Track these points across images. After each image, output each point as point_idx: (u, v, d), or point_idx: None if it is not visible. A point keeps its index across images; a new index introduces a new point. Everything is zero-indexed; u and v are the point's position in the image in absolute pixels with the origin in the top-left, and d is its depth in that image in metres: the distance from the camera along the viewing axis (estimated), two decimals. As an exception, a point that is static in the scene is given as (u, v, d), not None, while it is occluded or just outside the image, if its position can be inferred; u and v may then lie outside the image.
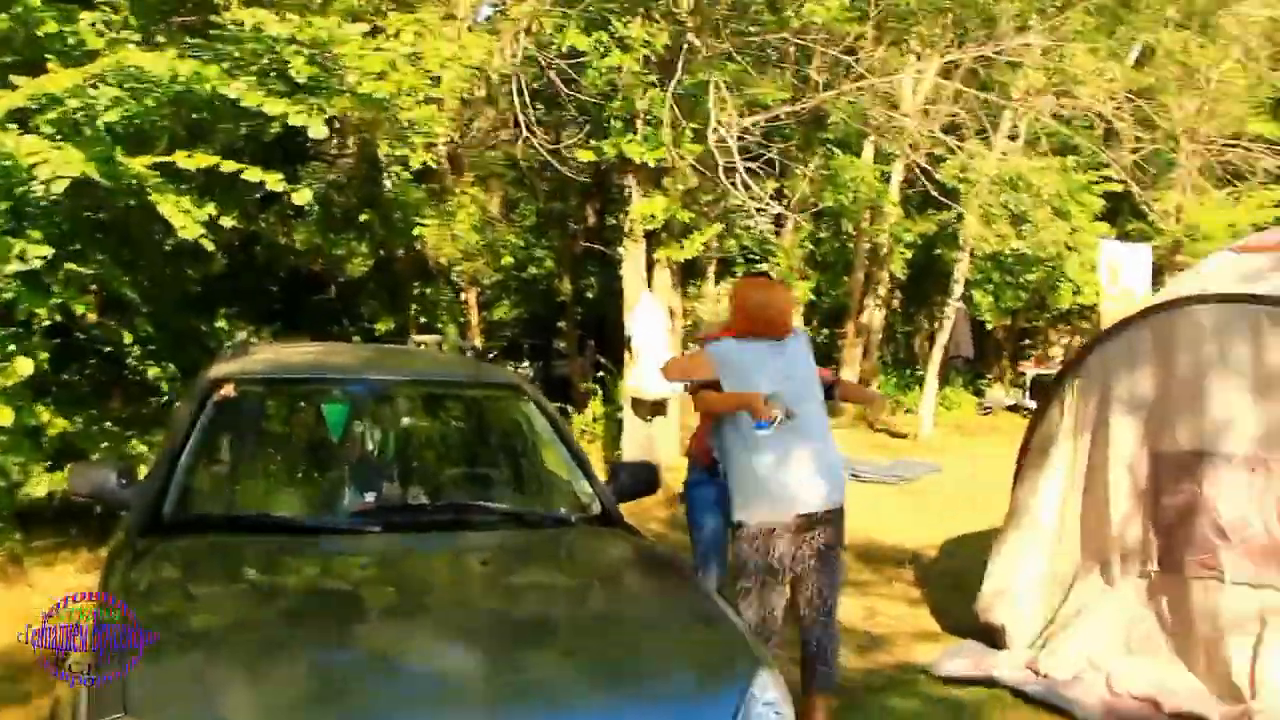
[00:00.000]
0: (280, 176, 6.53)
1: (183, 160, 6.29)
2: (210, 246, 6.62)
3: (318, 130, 6.71)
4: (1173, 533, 5.13)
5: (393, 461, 4.06)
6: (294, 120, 6.73)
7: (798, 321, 17.94)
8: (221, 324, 17.67)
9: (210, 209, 6.66)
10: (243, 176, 6.50)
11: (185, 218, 6.27)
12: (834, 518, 4.33)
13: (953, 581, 7.28)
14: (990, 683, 5.22)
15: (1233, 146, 17.55)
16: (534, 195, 21.71)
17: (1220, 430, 4.98)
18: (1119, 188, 17.67)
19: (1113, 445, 5.39)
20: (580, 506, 3.91)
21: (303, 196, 6.70)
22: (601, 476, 4.11)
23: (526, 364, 25.68)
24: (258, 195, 11.81)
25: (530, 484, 4.10)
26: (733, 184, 9.47)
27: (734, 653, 2.83)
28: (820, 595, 4.36)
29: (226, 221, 6.82)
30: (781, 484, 4.18)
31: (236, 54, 7.69)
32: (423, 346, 6.47)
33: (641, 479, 4.23)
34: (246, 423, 4.01)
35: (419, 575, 3.21)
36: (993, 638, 5.64)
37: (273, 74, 7.70)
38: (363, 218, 12.16)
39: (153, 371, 10.57)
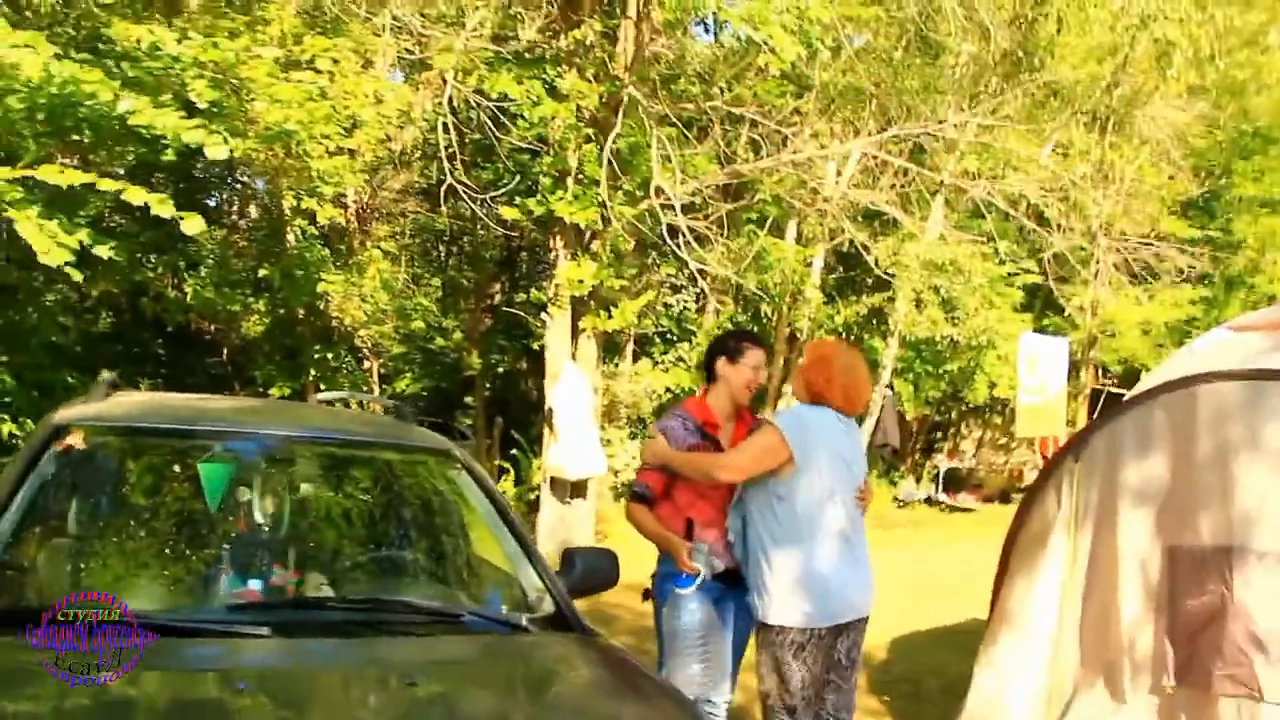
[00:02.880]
0: (165, 198, 5.66)
1: (50, 175, 5.36)
2: (77, 276, 5.65)
3: (216, 151, 5.85)
4: (1195, 642, 4.46)
5: (287, 540, 3.14)
6: (189, 138, 5.88)
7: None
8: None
9: (82, 235, 5.71)
10: (123, 197, 5.62)
11: (48, 241, 5.33)
12: (863, 626, 4.11)
13: (912, 688, 6.55)
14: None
15: (1147, 244, 17.71)
16: (442, 265, 20.91)
17: (1252, 522, 4.36)
18: (1037, 279, 17.69)
19: (1121, 539, 4.73)
20: (527, 604, 3.07)
21: (193, 225, 5.81)
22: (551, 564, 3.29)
23: (426, 442, 24.53)
24: (139, 237, 10.80)
25: (464, 574, 3.23)
26: (676, 246, 8.78)
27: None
28: (838, 714, 4.03)
29: (102, 251, 5.88)
30: (841, 583, 3.87)
31: (131, 72, 6.83)
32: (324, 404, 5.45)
33: (600, 569, 3.43)
34: (96, 483, 3.07)
35: (319, 701, 2.32)
36: (981, 761, 4.89)
37: (170, 97, 6.85)
38: (262, 272, 11.17)
39: (5, 428, 9.41)
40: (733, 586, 4.06)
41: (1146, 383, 5.29)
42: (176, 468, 3.19)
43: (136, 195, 5.54)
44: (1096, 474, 4.89)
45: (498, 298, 19.77)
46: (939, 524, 16.35)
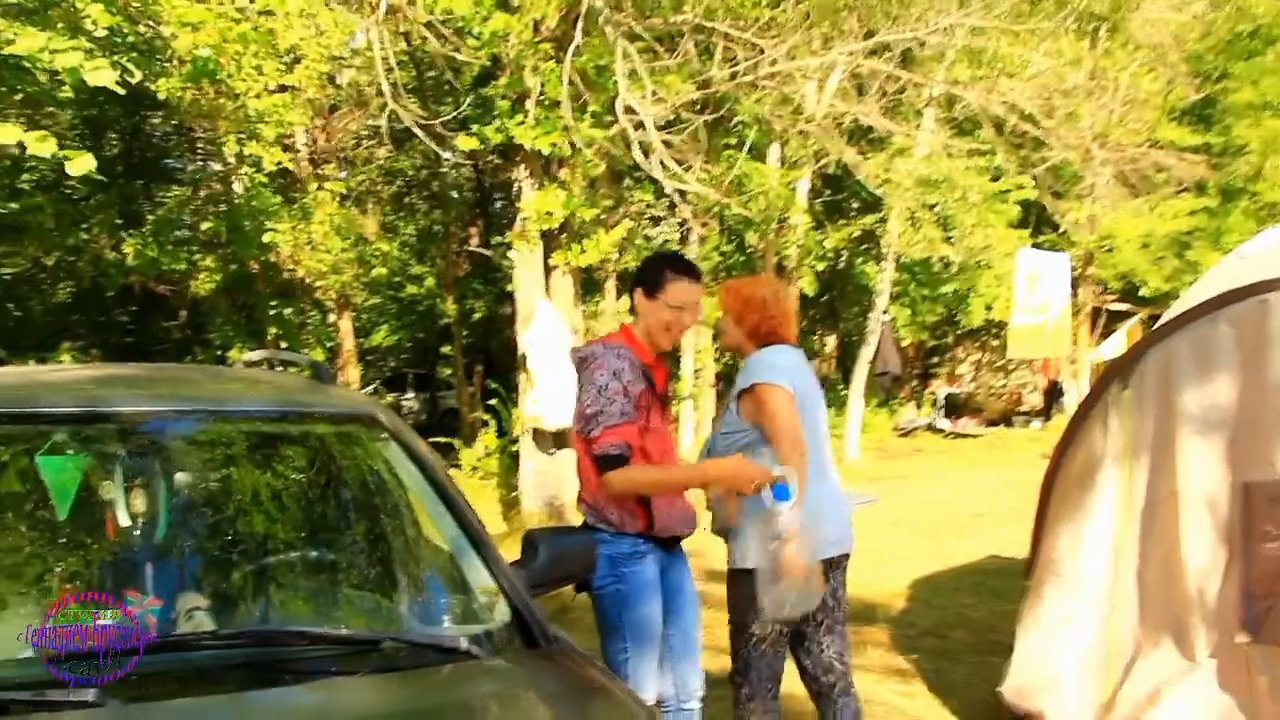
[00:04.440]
0: (46, 135, 4.86)
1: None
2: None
3: (99, 77, 5.02)
4: (1275, 590, 3.81)
5: (151, 555, 2.37)
6: (62, 63, 5.04)
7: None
8: (65, 358, 15.59)
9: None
10: (-8, 137, 4.81)
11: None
12: (846, 563, 3.67)
13: (939, 643, 5.92)
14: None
15: (1145, 154, 16.95)
16: (412, 211, 20.00)
17: (1343, 451, 3.69)
18: (1032, 194, 16.95)
19: (1182, 476, 4.05)
20: (476, 611, 2.38)
21: (81, 164, 5.00)
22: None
23: (412, 395, 23.75)
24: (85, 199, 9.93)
25: (393, 578, 2.50)
26: (645, 165, 7.96)
27: None
28: (841, 658, 3.62)
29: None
30: (837, 517, 3.53)
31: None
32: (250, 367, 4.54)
33: (572, 555, 2.74)
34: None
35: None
36: (1028, 731, 4.26)
37: (62, 26, 6.01)
38: (205, 225, 10.31)
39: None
40: (671, 550, 3.45)
41: (1193, 297, 4.56)
42: (9, 460, 2.44)
43: (9, 134, 4.73)
44: (1150, 402, 4.20)
45: (474, 241, 18.98)
46: (943, 451, 15.79)
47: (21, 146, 4.72)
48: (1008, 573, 6.52)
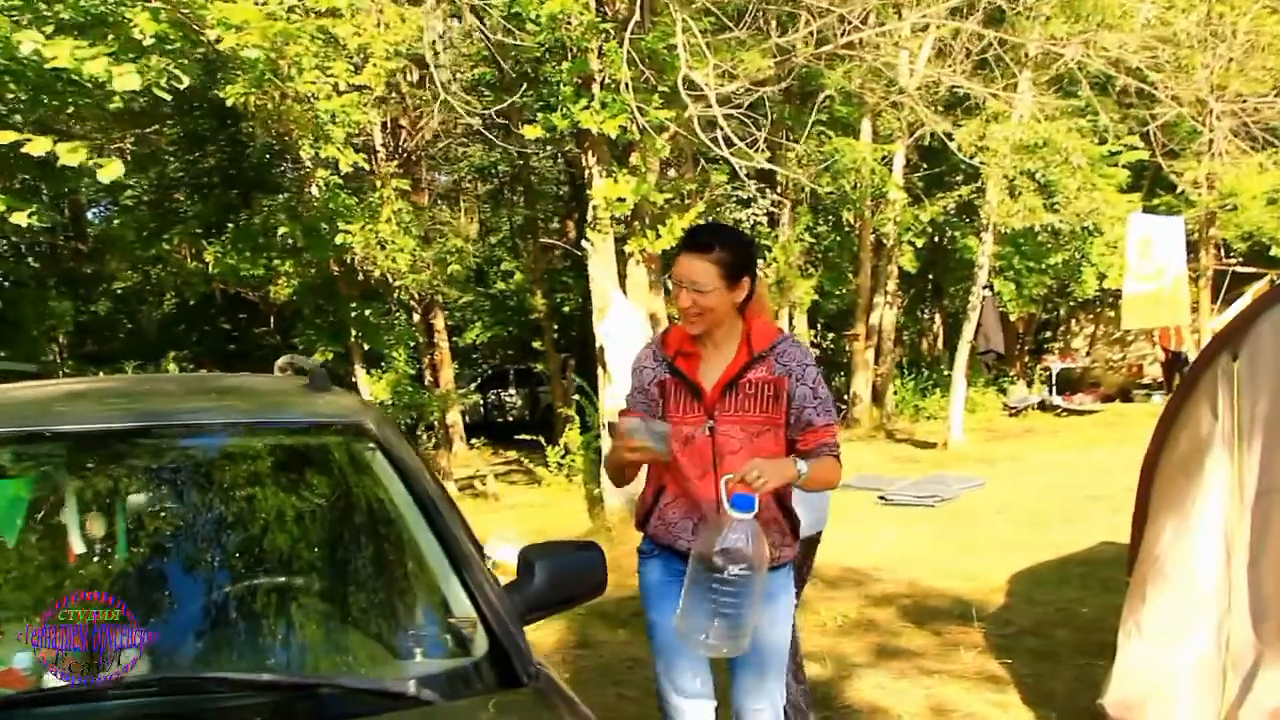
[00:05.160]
0: (78, 146, 4.76)
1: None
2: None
3: (126, 82, 4.92)
4: None
5: (105, 583, 2.18)
6: (90, 70, 4.93)
7: (797, 325, 16.13)
8: (171, 368, 15.95)
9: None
10: (25, 150, 4.73)
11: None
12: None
13: (1040, 644, 5.43)
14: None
15: (1270, 103, 15.76)
16: (508, 206, 19.95)
17: None
18: (1143, 155, 15.96)
19: (1306, 457, 3.54)
20: (448, 647, 2.09)
21: (110, 171, 4.89)
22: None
23: (513, 391, 23.77)
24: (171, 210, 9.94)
25: (359, 612, 2.22)
26: (715, 145, 7.59)
27: None
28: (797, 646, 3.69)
29: (18, 219, 5.02)
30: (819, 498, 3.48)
31: (64, 14, 5.92)
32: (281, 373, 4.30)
33: (573, 574, 2.43)
34: None
35: None
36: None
37: (112, 38, 5.94)
38: (281, 230, 10.30)
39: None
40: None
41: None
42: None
43: (40, 145, 4.65)
44: (1264, 374, 3.69)
45: (572, 234, 18.82)
46: (1055, 430, 15.00)
47: (57, 158, 4.63)
48: (1121, 563, 5.97)
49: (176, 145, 17.12)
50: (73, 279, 17.44)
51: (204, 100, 12.35)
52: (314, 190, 10.66)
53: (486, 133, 12.20)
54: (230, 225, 11.34)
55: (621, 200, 8.43)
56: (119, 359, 16.54)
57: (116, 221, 15.47)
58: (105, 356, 17.90)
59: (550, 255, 17.71)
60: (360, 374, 11.51)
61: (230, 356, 18.01)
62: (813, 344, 17.36)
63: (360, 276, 11.24)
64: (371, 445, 2.48)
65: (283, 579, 2.27)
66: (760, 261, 15.13)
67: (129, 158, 14.99)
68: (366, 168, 10.87)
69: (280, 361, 3.52)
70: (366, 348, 11.51)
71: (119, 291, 20.07)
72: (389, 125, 13.05)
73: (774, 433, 2.86)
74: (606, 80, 8.15)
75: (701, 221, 9.82)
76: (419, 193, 14.93)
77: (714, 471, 2.82)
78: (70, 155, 4.71)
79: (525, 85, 10.73)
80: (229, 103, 8.63)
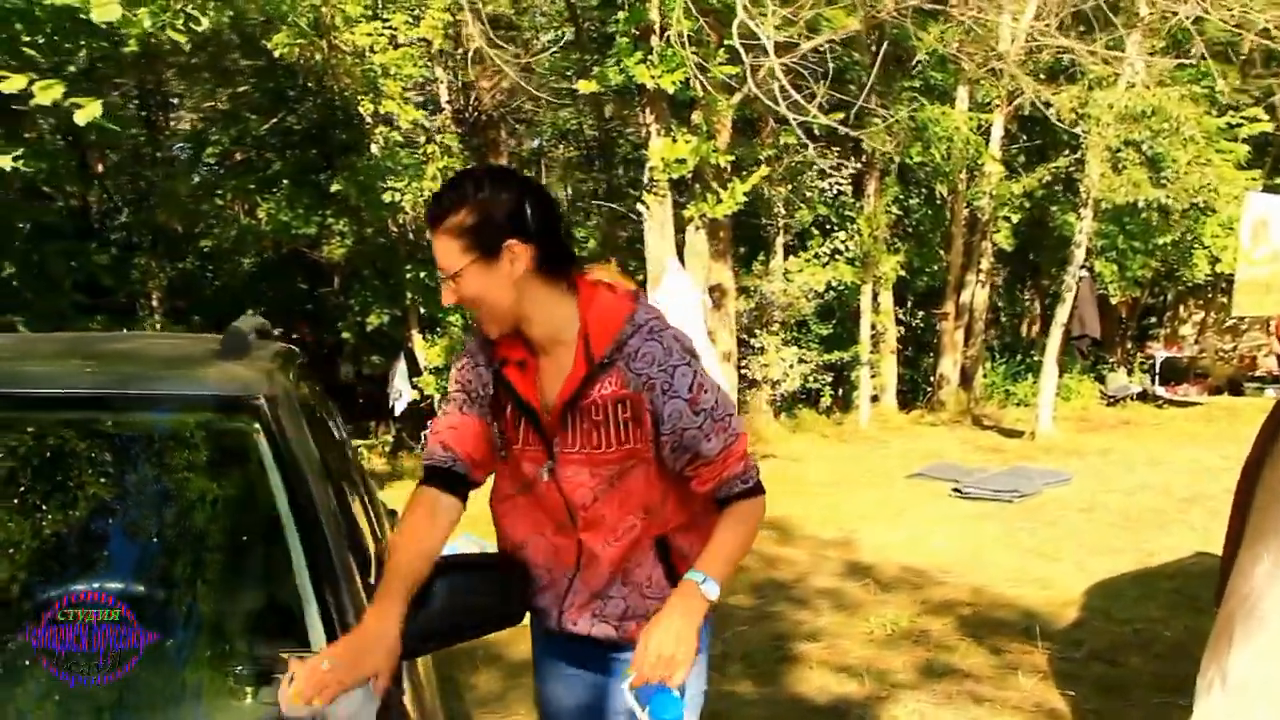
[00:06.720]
0: (50, 84, 4.42)
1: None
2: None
3: (105, 12, 4.52)
4: None
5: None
6: (95, 13, 4.56)
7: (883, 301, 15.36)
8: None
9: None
10: (36, 97, 4.41)
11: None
12: None
13: (1108, 672, 4.78)
14: None
15: None
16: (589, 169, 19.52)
17: None
18: (1267, 127, 14.75)
19: None
20: (253, 702, 1.62)
21: (89, 112, 4.55)
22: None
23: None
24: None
25: (155, 651, 1.74)
26: (781, 105, 6.97)
27: None
28: None
29: (3, 162, 4.72)
30: None
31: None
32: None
33: (479, 597, 1.95)
34: None
35: None
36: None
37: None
38: (335, 188, 9.99)
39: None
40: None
41: None
42: None
43: (14, 84, 4.34)
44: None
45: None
46: (1155, 423, 14.00)
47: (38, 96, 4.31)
48: (1216, 578, 5.27)
49: (251, 102, 17.03)
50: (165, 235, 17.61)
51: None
52: (373, 149, 10.34)
53: (563, 97, 11.74)
54: (285, 183, 11.08)
55: (681, 161, 7.87)
56: (206, 314, 16.71)
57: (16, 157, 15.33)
58: (192, 311, 18.16)
59: (626, 224, 17.23)
60: (416, 338, 11.20)
61: (306, 315, 18.09)
62: (899, 321, 16.53)
63: (413, 237, 10.90)
64: (257, 427, 2.01)
65: (85, 586, 1.80)
66: (842, 234, 14.38)
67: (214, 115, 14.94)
68: (429, 126, 10.50)
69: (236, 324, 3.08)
70: (423, 311, 11.19)
71: (205, 249, 20.35)
72: (460, 85, 12.66)
73: (642, 470, 2.00)
74: (667, 33, 7.58)
75: (767, 186, 9.22)
76: (496, 154, 14.56)
77: (572, 525, 2.05)
78: (44, 93, 4.41)
79: (599, 45, 10.25)
80: (276, 54, 8.31)
